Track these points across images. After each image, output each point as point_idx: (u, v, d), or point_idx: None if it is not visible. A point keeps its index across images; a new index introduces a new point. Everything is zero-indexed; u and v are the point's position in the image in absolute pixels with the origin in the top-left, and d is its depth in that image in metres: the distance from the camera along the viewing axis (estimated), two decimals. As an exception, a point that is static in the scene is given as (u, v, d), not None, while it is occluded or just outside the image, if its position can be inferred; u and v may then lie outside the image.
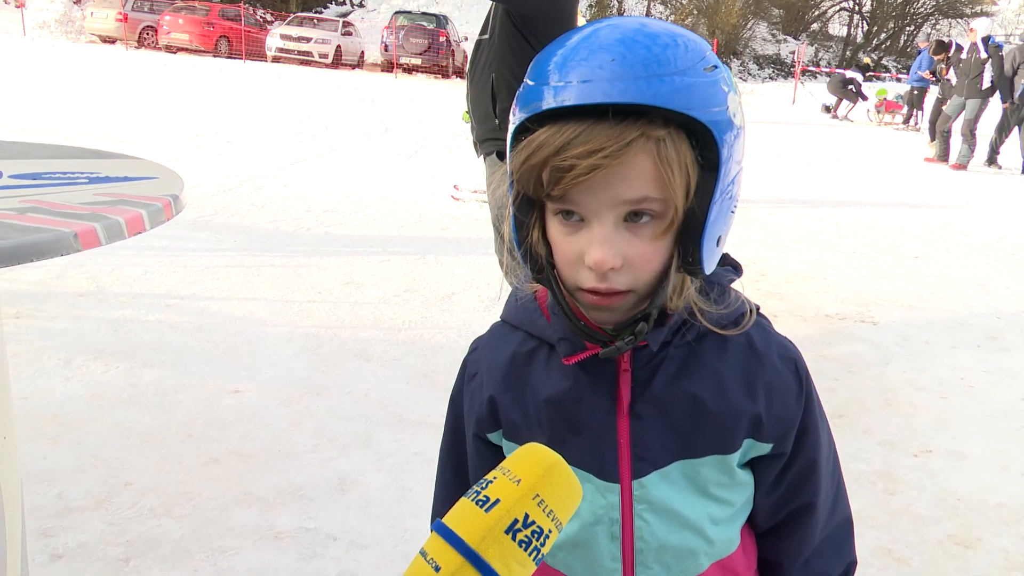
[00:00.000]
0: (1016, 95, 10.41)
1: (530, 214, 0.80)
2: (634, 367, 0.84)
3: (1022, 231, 7.32)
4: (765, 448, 0.86)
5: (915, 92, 15.83)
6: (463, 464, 0.98)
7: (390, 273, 4.58)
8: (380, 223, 5.79)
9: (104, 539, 2.14)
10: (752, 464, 0.89)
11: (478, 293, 4.38)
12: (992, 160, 11.22)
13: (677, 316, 0.82)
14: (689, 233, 0.75)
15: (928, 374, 3.71)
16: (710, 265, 0.78)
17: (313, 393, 3.06)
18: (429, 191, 6.99)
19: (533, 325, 0.89)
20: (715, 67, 0.75)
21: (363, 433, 2.80)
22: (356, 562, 2.15)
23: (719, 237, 0.78)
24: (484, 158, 3.29)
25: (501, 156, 3.14)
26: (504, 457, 0.89)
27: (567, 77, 0.71)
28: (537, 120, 0.73)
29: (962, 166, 11.04)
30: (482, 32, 3.18)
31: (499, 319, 0.95)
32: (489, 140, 3.19)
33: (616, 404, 0.84)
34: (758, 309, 0.89)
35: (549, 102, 0.72)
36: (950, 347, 4.09)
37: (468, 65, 3.31)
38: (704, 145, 0.73)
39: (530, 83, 0.75)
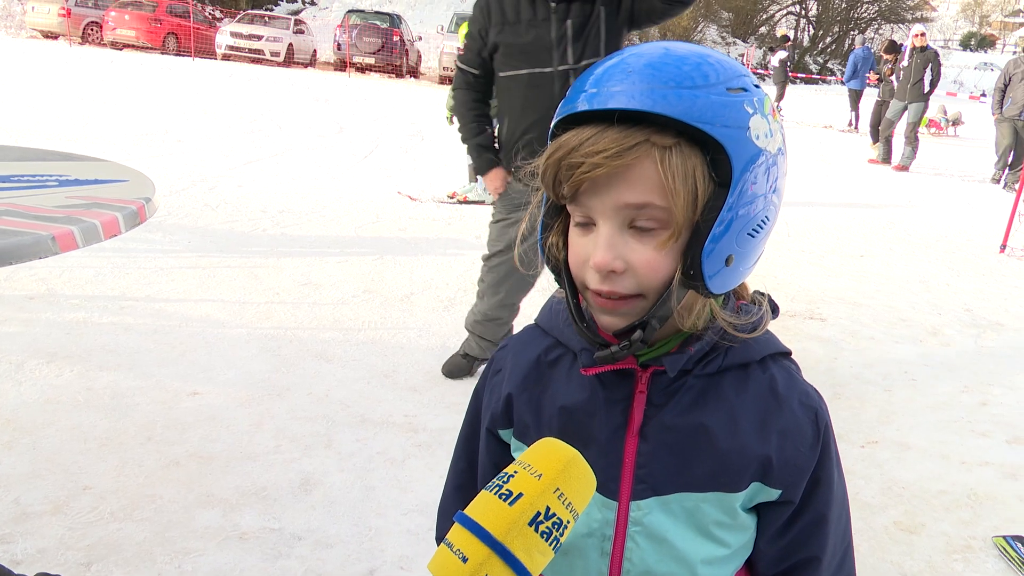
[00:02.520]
0: (1004, 108, 10.49)
1: (555, 219, 0.84)
2: (650, 390, 0.84)
3: (961, 230, 7.59)
4: (773, 494, 0.85)
5: (851, 93, 16.26)
6: (476, 455, 1.00)
7: (348, 274, 4.57)
8: (337, 224, 5.76)
9: (64, 544, 2.11)
10: (759, 510, 0.88)
11: (437, 293, 4.40)
12: (1006, 181, 10.64)
13: (700, 345, 0.82)
14: (693, 246, 0.76)
15: (874, 369, 3.85)
16: (716, 283, 0.77)
17: (273, 394, 3.06)
18: (385, 191, 6.97)
19: (561, 332, 0.90)
20: (743, 90, 0.75)
21: (325, 434, 2.80)
22: (321, 561, 2.16)
23: (728, 256, 0.77)
24: None
25: None
26: (510, 455, 0.92)
27: (589, 87, 0.76)
28: (565, 127, 0.78)
29: (904, 167, 11.38)
30: (587, 56, 2.81)
31: (533, 322, 0.97)
32: None
33: (627, 423, 0.85)
34: (789, 354, 0.88)
35: (569, 108, 0.77)
36: (894, 342, 4.24)
37: (541, 94, 2.85)
38: (719, 162, 0.74)
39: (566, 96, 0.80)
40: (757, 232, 0.78)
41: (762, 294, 0.91)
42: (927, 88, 11.17)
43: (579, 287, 0.82)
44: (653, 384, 0.84)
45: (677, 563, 0.84)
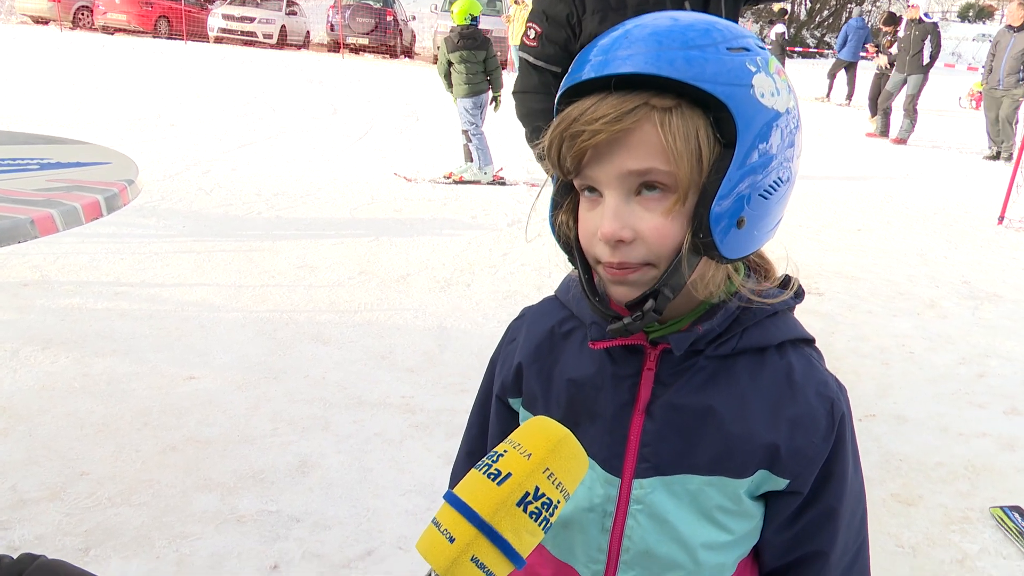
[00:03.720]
0: (987, 79, 10.23)
1: (565, 197, 0.82)
2: (659, 368, 0.83)
3: (959, 202, 7.57)
4: (781, 484, 0.82)
5: (836, 63, 16.09)
6: (488, 422, 1.00)
7: (344, 256, 4.56)
8: (332, 206, 5.73)
9: (62, 530, 2.11)
10: (767, 498, 0.86)
11: (433, 274, 4.38)
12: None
13: (710, 325, 0.80)
14: (701, 209, 0.73)
15: (871, 342, 3.84)
16: (728, 246, 0.75)
17: (270, 377, 3.05)
18: (381, 173, 6.94)
19: (576, 305, 0.89)
20: (745, 49, 0.74)
21: (322, 416, 2.80)
22: (320, 543, 2.16)
23: (740, 218, 0.74)
24: None
25: None
26: (519, 423, 0.91)
27: (594, 56, 0.74)
28: (570, 102, 0.76)
29: (902, 140, 11.32)
30: None
31: (552, 294, 0.96)
32: None
33: (635, 400, 0.83)
34: (812, 342, 0.86)
35: (573, 79, 0.75)
36: (891, 316, 4.23)
37: None
38: (723, 122, 0.72)
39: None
40: (770, 193, 0.76)
41: (789, 279, 0.89)
42: (926, 60, 11.07)
43: (591, 263, 0.80)
44: (663, 362, 0.82)
45: (677, 545, 0.83)
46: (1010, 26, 10.04)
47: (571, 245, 0.83)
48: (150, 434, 2.59)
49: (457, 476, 1.04)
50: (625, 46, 0.73)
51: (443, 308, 3.90)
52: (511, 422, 0.94)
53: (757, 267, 0.88)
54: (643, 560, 0.84)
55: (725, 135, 0.72)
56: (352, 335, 3.51)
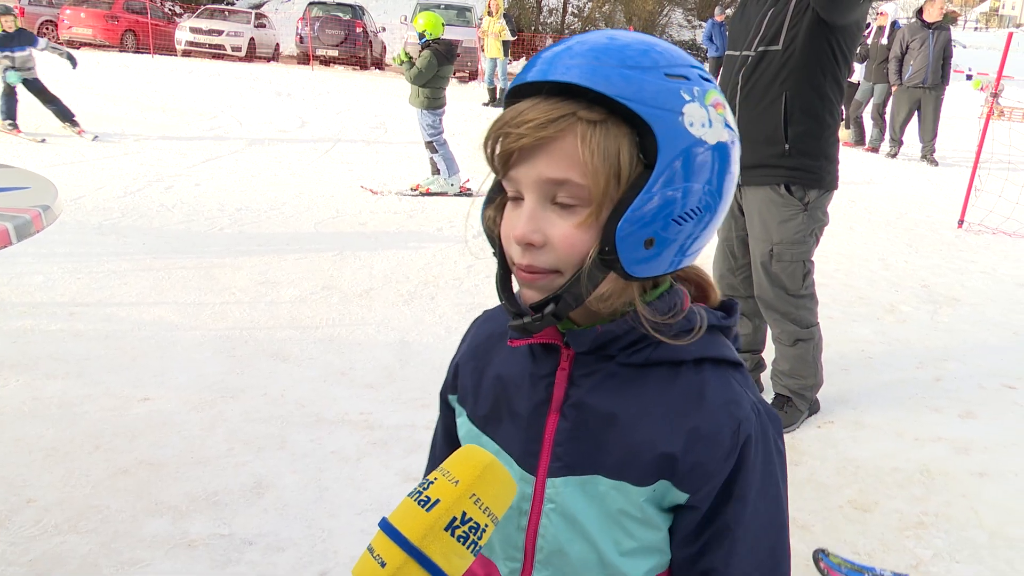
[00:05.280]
0: (904, 77, 10.24)
1: (498, 194, 0.84)
2: (572, 369, 0.84)
3: (920, 207, 7.68)
4: (682, 497, 0.82)
5: None
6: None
7: (307, 271, 4.52)
8: (296, 220, 5.69)
9: (5, 559, 2.07)
10: (674, 512, 0.86)
11: (397, 287, 4.36)
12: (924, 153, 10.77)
13: (610, 327, 0.81)
14: (611, 225, 0.74)
15: (831, 348, 3.85)
16: (634, 265, 0.75)
17: (227, 397, 3.01)
18: (347, 186, 6.90)
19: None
20: (684, 78, 0.75)
21: (278, 435, 2.77)
22: (273, 565, 2.13)
23: (648, 239, 0.75)
24: (751, 188, 2.90)
25: (791, 188, 2.82)
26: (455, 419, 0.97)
27: (539, 63, 0.77)
28: (510, 102, 0.79)
29: (874, 149, 11.44)
30: (765, 43, 2.81)
31: None
32: (773, 167, 2.80)
33: (550, 399, 0.85)
34: (737, 365, 0.85)
35: (515, 82, 0.79)
36: (851, 321, 4.27)
37: (725, 78, 2.91)
38: (649, 144, 0.73)
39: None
40: (685, 220, 0.76)
41: (731, 303, 0.88)
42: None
43: (510, 263, 0.82)
44: (575, 363, 0.84)
45: (587, 545, 0.84)
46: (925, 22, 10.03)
47: (495, 241, 0.85)
48: (101, 458, 2.55)
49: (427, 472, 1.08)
50: (566, 58, 0.75)
51: (406, 322, 3.88)
52: (451, 418, 0.98)
53: (695, 288, 0.89)
54: (556, 559, 0.86)
55: (648, 156, 0.74)
56: (312, 351, 3.48)
